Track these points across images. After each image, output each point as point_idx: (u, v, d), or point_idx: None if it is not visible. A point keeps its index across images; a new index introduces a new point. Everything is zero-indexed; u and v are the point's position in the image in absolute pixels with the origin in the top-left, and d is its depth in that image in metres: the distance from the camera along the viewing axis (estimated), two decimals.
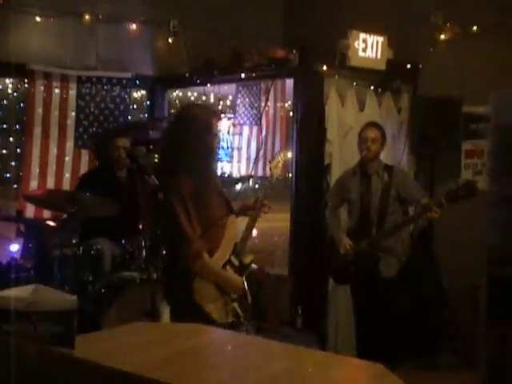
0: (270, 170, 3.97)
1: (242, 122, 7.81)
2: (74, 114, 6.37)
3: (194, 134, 3.56)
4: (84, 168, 6.36)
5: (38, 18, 6.07)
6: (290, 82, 6.31)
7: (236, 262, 3.68)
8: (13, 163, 6.46)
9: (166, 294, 3.74)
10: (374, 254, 4.98)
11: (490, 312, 4.01)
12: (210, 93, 7.58)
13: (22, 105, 6.44)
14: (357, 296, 5.24)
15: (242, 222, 3.91)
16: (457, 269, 5.84)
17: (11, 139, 6.43)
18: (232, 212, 3.78)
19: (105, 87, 6.48)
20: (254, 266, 3.91)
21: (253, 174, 7.84)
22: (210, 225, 3.56)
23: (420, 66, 6.28)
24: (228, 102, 8.14)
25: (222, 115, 7.53)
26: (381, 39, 5.85)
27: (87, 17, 6.24)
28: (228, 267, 3.65)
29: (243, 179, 7.86)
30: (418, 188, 5.20)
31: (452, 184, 4.63)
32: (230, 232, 3.70)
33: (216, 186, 3.75)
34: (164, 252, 4.58)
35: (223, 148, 7.91)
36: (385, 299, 5.00)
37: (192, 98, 7.63)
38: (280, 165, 3.98)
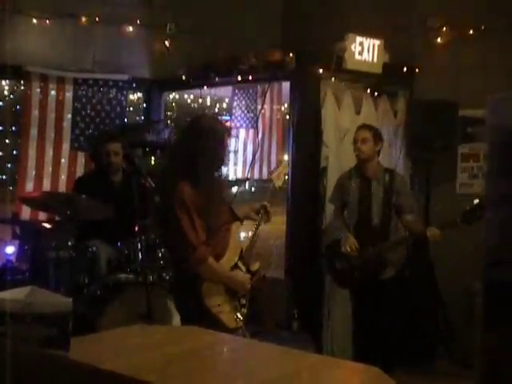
0: (272, 180, 3.99)
1: (238, 124, 7.80)
2: (70, 116, 6.36)
3: (205, 145, 3.56)
4: (80, 170, 6.35)
5: (34, 20, 6.07)
6: (286, 85, 6.30)
7: (243, 268, 3.70)
8: (9, 165, 6.45)
9: (176, 300, 3.76)
10: (380, 263, 4.96)
11: (487, 315, 4.00)
12: (207, 95, 7.58)
13: (18, 107, 6.43)
14: (355, 299, 5.23)
15: (245, 227, 3.93)
16: (453, 273, 5.85)
17: (7, 141, 6.42)
18: (236, 218, 3.81)
19: (101, 89, 6.48)
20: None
21: (249, 176, 7.84)
22: (215, 231, 3.58)
23: (416, 69, 6.29)
24: (224, 105, 8.13)
25: (219, 117, 7.52)
26: (377, 42, 5.86)
27: (84, 19, 6.24)
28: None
29: (240, 182, 7.87)
30: (411, 199, 5.12)
31: (467, 205, 4.60)
32: (236, 237, 3.74)
33: (220, 194, 3.77)
34: (160, 255, 4.59)
35: None
36: (382, 303, 4.99)
37: (188, 101, 7.63)
38: (282, 176, 4.01)
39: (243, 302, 3.69)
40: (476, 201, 4.74)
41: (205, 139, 3.57)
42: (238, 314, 3.63)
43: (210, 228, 3.56)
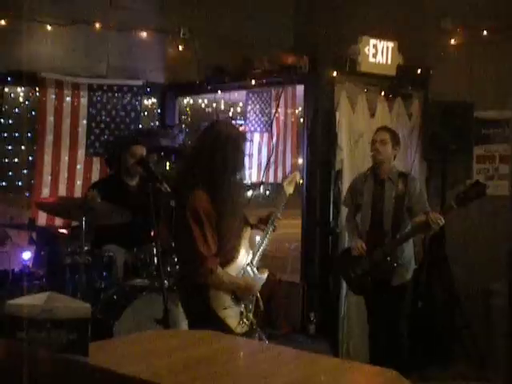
0: (283, 187, 3.99)
1: (252, 128, 7.81)
2: (85, 121, 6.40)
3: (223, 152, 3.51)
4: (95, 176, 6.38)
5: (49, 27, 6.12)
6: (300, 89, 6.31)
7: (251, 273, 3.70)
8: (25, 171, 6.49)
9: (183, 303, 3.75)
10: (390, 264, 4.92)
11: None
12: (221, 100, 7.60)
13: (33, 113, 6.47)
14: (370, 304, 5.21)
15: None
16: (470, 273, 5.82)
17: (23, 147, 6.45)
18: (247, 223, 3.81)
19: (116, 95, 6.51)
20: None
21: (264, 180, 7.84)
22: (228, 239, 3.57)
23: (431, 71, 6.26)
24: (238, 109, 8.15)
25: (233, 121, 7.52)
26: (391, 45, 5.85)
27: (98, 25, 6.28)
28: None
29: (254, 186, 7.87)
30: (423, 202, 5.04)
31: (461, 187, 4.58)
32: (245, 242, 3.73)
33: (238, 200, 3.67)
34: (176, 261, 4.60)
35: None
36: (397, 305, 4.97)
37: (203, 105, 7.65)
38: (293, 183, 4.01)
39: (250, 307, 3.69)
40: (468, 181, 4.72)
41: (222, 145, 3.52)
42: (245, 319, 3.62)
43: (223, 238, 3.53)
